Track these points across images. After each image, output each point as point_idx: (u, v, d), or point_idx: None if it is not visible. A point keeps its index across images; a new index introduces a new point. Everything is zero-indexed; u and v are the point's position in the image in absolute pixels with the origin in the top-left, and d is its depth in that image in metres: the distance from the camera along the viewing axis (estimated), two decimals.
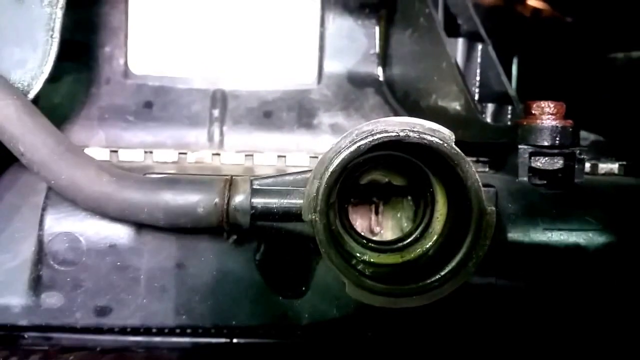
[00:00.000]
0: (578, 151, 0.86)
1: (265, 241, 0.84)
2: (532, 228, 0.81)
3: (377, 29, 1.25)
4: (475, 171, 0.68)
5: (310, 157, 1.01)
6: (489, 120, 1.09)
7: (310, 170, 0.73)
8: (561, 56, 1.51)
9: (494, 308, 0.83)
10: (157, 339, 0.86)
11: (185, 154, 0.98)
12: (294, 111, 1.18)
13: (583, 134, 1.09)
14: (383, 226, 0.87)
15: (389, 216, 0.87)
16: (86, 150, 0.93)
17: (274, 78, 1.20)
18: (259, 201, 0.74)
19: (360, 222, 0.87)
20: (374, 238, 0.84)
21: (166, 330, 0.85)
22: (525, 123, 0.87)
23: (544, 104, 0.87)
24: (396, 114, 1.18)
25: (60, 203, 0.83)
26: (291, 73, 1.21)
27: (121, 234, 0.83)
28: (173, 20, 1.19)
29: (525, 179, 0.86)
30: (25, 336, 0.84)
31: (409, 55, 1.19)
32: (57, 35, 0.88)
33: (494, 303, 0.82)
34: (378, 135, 0.68)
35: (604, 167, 1.02)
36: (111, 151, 0.96)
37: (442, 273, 0.70)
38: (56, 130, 0.80)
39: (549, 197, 0.84)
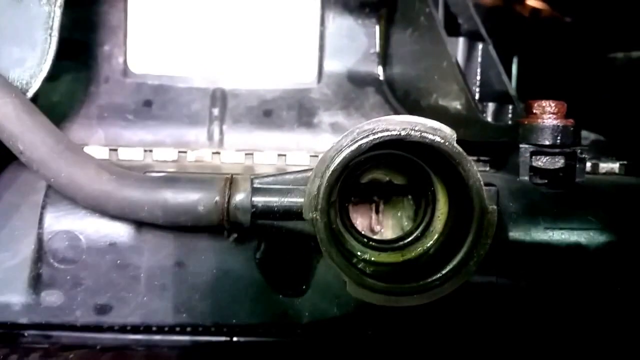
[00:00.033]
0: (579, 150, 0.86)
1: (266, 240, 0.84)
2: (533, 227, 0.81)
3: (377, 28, 1.25)
4: (477, 170, 0.68)
5: (311, 156, 1.01)
6: (489, 119, 1.09)
7: (311, 169, 0.73)
8: (561, 56, 1.51)
9: (494, 307, 0.83)
10: (157, 337, 0.86)
11: (185, 152, 0.98)
12: (294, 110, 1.17)
13: (583, 133, 1.10)
14: (383, 225, 0.87)
15: (390, 215, 0.87)
16: (85, 149, 0.93)
17: (274, 77, 1.20)
18: (259, 200, 0.74)
19: (360, 221, 0.87)
20: (375, 237, 0.84)
21: (166, 329, 0.85)
22: (526, 122, 0.87)
23: (545, 103, 0.87)
24: (396, 113, 1.18)
25: (59, 201, 0.83)
26: (291, 72, 1.20)
27: (121, 232, 0.82)
28: (172, 18, 1.19)
29: (526, 178, 0.86)
30: (25, 334, 0.84)
31: (409, 55, 1.19)
32: (55, 33, 0.88)
33: (494, 302, 0.82)
34: (379, 134, 0.67)
35: (605, 166, 1.02)
36: (111, 150, 0.96)
37: (443, 272, 0.70)
38: (55, 129, 0.80)
39: (550, 196, 0.84)
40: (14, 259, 0.82)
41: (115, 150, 0.96)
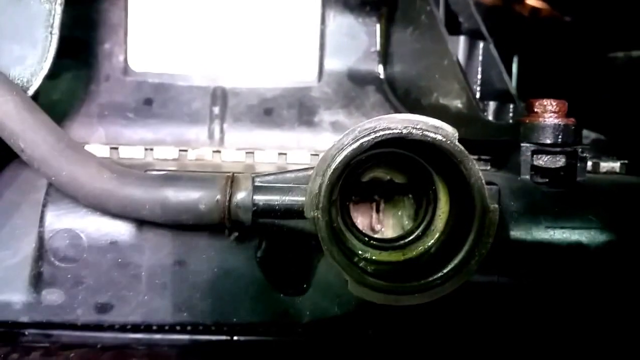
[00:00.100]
0: (580, 149, 0.86)
1: (267, 238, 0.84)
2: (535, 226, 0.81)
3: (377, 26, 1.24)
4: (479, 169, 0.68)
5: (311, 154, 1.00)
6: (490, 118, 1.09)
7: (312, 168, 0.72)
8: (561, 55, 1.51)
9: (495, 306, 0.83)
10: (158, 336, 0.86)
11: (185, 151, 0.98)
12: (294, 109, 1.17)
13: (584, 132, 1.09)
14: (384, 224, 0.87)
15: (390, 214, 0.87)
16: (86, 148, 0.92)
17: (275, 75, 1.20)
18: (260, 198, 0.74)
19: (361, 220, 0.87)
20: (376, 236, 0.84)
21: (167, 328, 0.85)
22: (527, 121, 0.86)
23: (546, 102, 0.86)
24: (397, 112, 1.17)
25: (60, 200, 0.83)
26: (292, 70, 1.20)
27: (122, 230, 0.82)
28: (173, 17, 1.19)
29: (528, 177, 0.86)
30: (26, 333, 0.84)
31: (410, 53, 1.19)
32: (56, 31, 0.88)
33: (495, 301, 0.82)
34: (381, 133, 0.67)
35: (606, 165, 1.02)
36: (111, 148, 0.96)
37: (445, 271, 0.70)
38: (56, 127, 0.80)
39: (552, 195, 0.84)
40: (15, 257, 0.82)
41: (116, 148, 0.96)
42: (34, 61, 0.86)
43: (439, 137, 0.67)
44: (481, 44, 1.16)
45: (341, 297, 0.84)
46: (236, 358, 0.88)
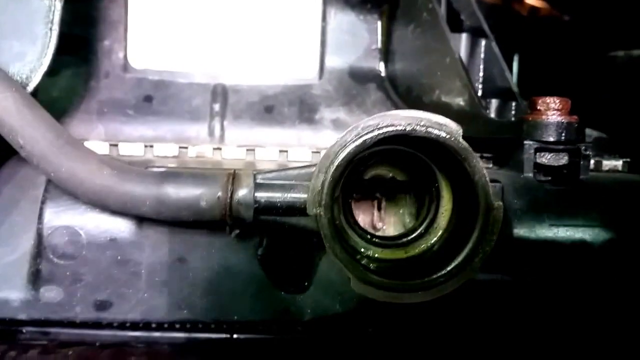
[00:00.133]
0: (583, 147, 0.86)
1: (268, 236, 0.83)
2: (538, 224, 0.81)
3: (379, 24, 1.24)
4: (483, 166, 0.68)
5: (312, 152, 1.00)
6: (492, 115, 1.09)
7: (314, 165, 0.72)
8: (562, 54, 1.51)
9: (498, 304, 0.82)
10: (157, 334, 0.86)
11: (186, 148, 0.97)
12: (295, 106, 1.17)
13: (586, 131, 1.09)
14: (385, 222, 0.86)
15: (392, 212, 0.87)
16: (85, 144, 0.92)
17: (275, 73, 1.19)
18: (262, 195, 0.74)
19: (362, 217, 0.86)
20: (378, 233, 0.84)
21: (166, 325, 0.85)
22: (530, 119, 0.86)
23: (549, 99, 0.86)
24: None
25: (59, 196, 0.82)
26: (292, 68, 1.20)
27: (122, 227, 0.82)
28: (173, 13, 1.18)
29: (531, 174, 0.86)
30: (24, 331, 0.84)
31: (411, 51, 1.19)
32: (56, 27, 0.87)
33: (498, 299, 0.82)
34: (384, 129, 0.67)
35: (608, 163, 1.01)
36: (111, 145, 0.96)
37: (448, 269, 0.70)
38: (56, 123, 0.79)
39: (555, 193, 0.84)
40: (13, 254, 0.82)
41: (116, 145, 0.96)
42: (33, 57, 0.86)
43: (443, 134, 0.67)
44: (483, 42, 1.16)
45: (343, 295, 0.84)
46: (236, 356, 0.88)
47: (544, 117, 0.85)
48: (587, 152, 0.86)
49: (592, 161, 0.98)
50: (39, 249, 0.82)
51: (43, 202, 0.82)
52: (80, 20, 1.15)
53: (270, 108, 1.16)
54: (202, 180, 0.75)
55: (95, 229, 0.82)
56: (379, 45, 1.24)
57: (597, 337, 0.83)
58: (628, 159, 1.02)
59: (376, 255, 0.78)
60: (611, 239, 0.81)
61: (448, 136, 0.67)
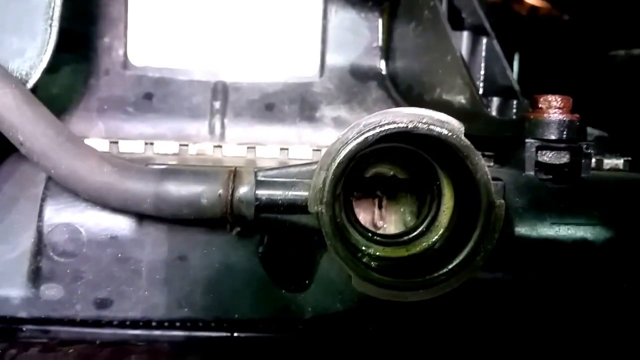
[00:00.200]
0: (585, 146, 0.86)
1: (269, 234, 0.83)
2: (540, 222, 0.80)
3: (380, 21, 1.24)
4: (485, 164, 0.67)
5: (313, 150, 1.00)
6: (494, 114, 1.09)
7: (315, 162, 0.72)
8: (562, 53, 1.50)
9: (499, 302, 0.82)
10: (157, 332, 0.86)
11: (186, 146, 0.97)
12: (296, 104, 1.17)
13: (587, 129, 1.09)
14: (386, 220, 0.86)
15: (392, 210, 0.87)
16: (85, 142, 0.92)
17: (276, 70, 1.19)
18: (263, 193, 0.73)
19: (363, 216, 0.86)
20: (379, 231, 0.84)
21: (166, 324, 0.84)
22: (532, 117, 0.86)
23: (551, 97, 0.86)
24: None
25: (60, 194, 0.82)
26: (293, 65, 1.20)
27: (122, 225, 0.82)
28: (173, 10, 1.18)
29: (532, 173, 0.85)
30: (24, 329, 0.83)
31: (412, 49, 1.18)
32: (56, 24, 0.87)
33: (499, 297, 0.82)
34: (386, 126, 0.67)
35: (609, 162, 1.01)
36: (111, 142, 0.95)
37: (449, 267, 0.70)
38: (56, 120, 0.79)
39: (556, 191, 0.84)
40: (13, 252, 0.81)
41: (116, 142, 0.95)
42: (33, 54, 0.86)
43: (445, 131, 0.67)
44: (484, 40, 1.16)
45: (343, 294, 0.84)
46: (237, 355, 0.87)
47: (545, 115, 0.85)
48: (589, 151, 0.86)
49: (593, 160, 0.98)
50: (39, 247, 0.81)
51: (43, 200, 0.82)
52: (80, 17, 1.15)
53: (270, 106, 1.16)
54: (203, 178, 0.75)
55: (96, 226, 0.81)
56: (380, 43, 1.23)
57: (598, 336, 0.83)
58: (629, 158, 1.02)
59: (377, 253, 0.77)
60: (612, 238, 0.81)
61: (450, 134, 0.67)
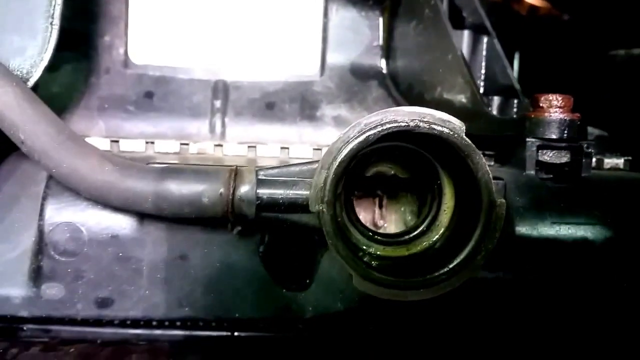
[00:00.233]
0: (585, 145, 0.86)
1: (270, 233, 0.83)
2: (540, 222, 0.80)
3: (380, 20, 1.24)
4: (486, 163, 0.67)
5: (314, 149, 1.00)
6: (494, 113, 1.09)
7: (316, 161, 0.72)
8: (562, 52, 1.50)
9: (500, 302, 0.82)
10: (158, 331, 0.85)
11: (187, 144, 0.97)
12: (296, 103, 1.17)
13: (587, 129, 1.09)
14: (387, 220, 0.86)
15: (393, 210, 0.87)
16: (86, 140, 0.91)
17: (276, 69, 1.19)
18: (264, 192, 0.73)
19: (363, 215, 0.86)
20: (380, 231, 0.84)
21: (167, 323, 0.84)
22: (533, 116, 0.86)
23: (552, 97, 0.86)
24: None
25: (61, 193, 0.82)
26: (294, 64, 1.20)
27: (123, 224, 0.81)
28: (174, 9, 1.18)
29: (533, 172, 0.86)
30: (25, 328, 0.83)
31: (413, 48, 1.18)
32: (57, 22, 0.87)
33: (500, 297, 0.82)
34: (387, 125, 0.67)
35: (609, 162, 1.01)
36: (112, 141, 0.95)
37: (450, 266, 0.70)
38: (57, 119, 0.79)
39: (557, 190, 0.84)
40: (14, 251, 0.81)
41: (117, 141, 0.95)
42: (34, 52, 0.85)
43: (446, 130, 0.67)
44: (485, 39, 1.16)
45: (344, 293, 0.84)
46: (237, 354, 0.87)
47: (546, 114, 0.85)
48: (589, 150, 0.86)
49: (593, 159, 0.98)
50: (40, 246, 0.81)
51: (44, 199, 0.82)
52: (81, 16, 1.15)
53: (271, 105, 1.16)
54: (204, 177, 0.75)
55: (97, 225, 0.81)
56: (381, 42, 1.23)
57: (598, 335, 0.83)
58: (629, 157, 1.02)
59: (378, 252, 0.77)
60: (612, 237, 0.81)
61: (452, 133, 0.67)
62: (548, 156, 0.86)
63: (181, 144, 0.97)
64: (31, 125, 0.75)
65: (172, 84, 1.15)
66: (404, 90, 1.20)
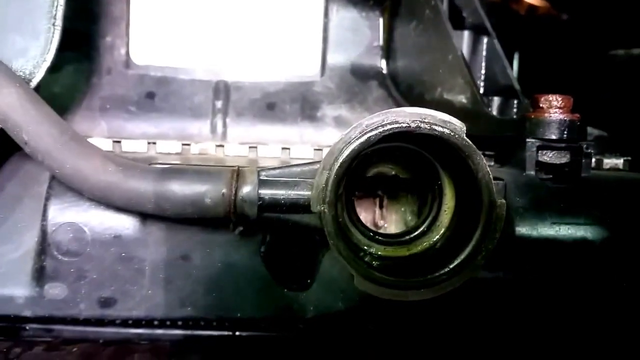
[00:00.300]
0: (585, 145, 0.86)
1: (271, 233, 0.83)
2: (540, 222, 0.81)
3: (381, 21, 1.24)
4: (486, 164, 0.68)
5: (314, 149, 1.00)
6: (494, 113, 1.09)
7: (317, 162, 0.72)
8: (562, 52, 1.50)
9: (500, 302, 0.82)
10: (160, 331, 0.85)
11: (188, 145, 0.97)
12: (297, 103, 1.17)
13: (587, 129, 1.09)
14: (387, 220, 0.87)
15: (393, 210, 0.87)
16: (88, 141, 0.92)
17: (277, 70, 1.19)
18: (266, 192, 0.74)
19: (364, 215, 0.87)
20: (381, 231, 0.84)
21: (168, 323, 0.85)
22: (533, 116, 0.86)
23: (552, 97, 0.86)
24: (400, 107, 1.17)
25: (63, 193, 0.82)
26: (294, 65, 1.20)
27: (126, 224, 0.82)
28: (175, 10, 1.18)
29: (533, 172, 0.86)
30: (27, 328, 0.83)
31: (413, 48, 1.19)
32: (59, 23, 0.87)
33: (500, 297, 0.82)
34: (389, 126, 0.67)
35: (609, 162, 1.02)
36: (114, 142, 0.95)
37: (451, 266, 0.70)
38: (60, 119, 0.79)
39: (557, 191, 0.84)
40: (17, 251, 0.81)
41: (119, 142, 0.96)
42: (36, 53, 0.85)
43: (447, 131, 0.67)
44: (485, 39, 1.16)
45: (345, 293, 0.84)
46: (238, 353, 0.87)
47: (546, 114, 0.86)
48: (589, 151, 0.86)
49: (593, 159, 0.98)
50: (43, 246, 0.82)
51: (47, 199, 0.82)
52: (82, 16, 1.15)
53: (272, 105, 1.16)
54: (206, 177, 0.75)
55: (100, 225, 0.82)
56: (381, 42, 1.24)
57: (598, 335, 0.83)
58: (629, 158, 1.02)
59: (379, 252, 0.78)
60: (612, 237, 0.81)
61: (452, 134, 0.67)
62: (548, 156, 0.87)
63: (183, 144, 0.97)
64: (34, 126, 0.75)
65: (173, 85, 1.15)
66: (404, 90, 1.20)
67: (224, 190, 0.74)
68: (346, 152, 0.67)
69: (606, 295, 0.82)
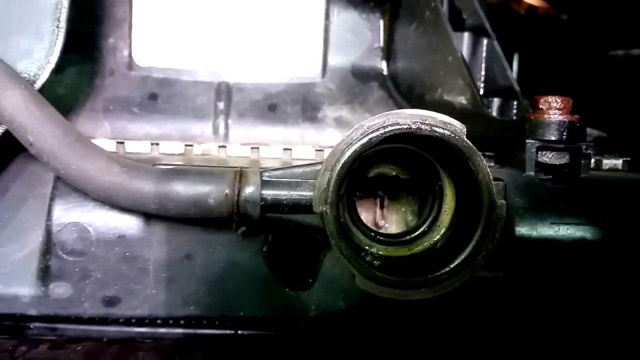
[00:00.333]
0: (584, 146, 0.87)
1: (273, 233, 0.84)
2: (540, 222, 0.81)
3: (381, 22, 1.25)
4: (486, 164, 0.68)
5: (316, 150, 1.01)
6: (494, 114, 1.10)
7: (319, 163, 0.73)
8: (561, 53, 1.51)
9: (500, 302, 0.83)
10: (163, 329, 0.86)
11: (191, 146, 0.98)
12: (298, 104, 1.18)
13: (586, 130, 1.10)
14: (388, 220, 0.87)
15: (394, 210, 0.87)
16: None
17: (279, 71, 1.20)
18: (268, 193, 0.74)
19: (365, 215, 0.87)
20: (382, 231, 0.85)
21: (171, 321, 0.85)
22: (532, 117, 0.87)
23: (551, 98, 0.87)
24: (400, 108, 1.17)
25: (68, 193, 0.82)
26: (295, 66, 1.20)
27: (130, 224, 0.82)
28: (178, 11, 1.19)
29: (532, 173, 0.86)
30: (32, 326, 0.84)
31: (413, 49, 1.19)
32: (63, 25, 0.87)
33: (500, 297, 0.83)
34: (390, 128, 0.68)
35: (608, 162, 1.02)
36: (117, 142, 0.96)
37: (451, 266, 0.71)
38: (64, 120, 0.80)
39: (556, 191, 0.84)
40: (23, 251, 0.82)
41: (122, 143, 0.96)
42: (40, 55, 0.86)
43: (448, 132, 0.68)
44: (485, 41, 1.16)
45: (347, 292, 0.85)
46: (241, 352, 0.88)
47: (545, 116, 0.86)
48: (588, 151, 0.87)
49: (592, 160, 0.99)
50: (48, 246, 0.82)
51: (52, 199, 0.83)
52: (86, 18, 1.16)
53: (273, 106, 1.17)
54: (209, 178, 0.76)
55: (104, 225, 0.82)
56: (382, 43, 1.24)
57: (598, 335, 0.84)
58: (628, 158, 1.03)
59: (380, 252, 0.78)
60: (611, 237, 0.82)
61: (453, 135, 0.68)
62: (547, 157, 0.87)
63: (186, 145, 0.98)
64: (39, 127, 0.76)
65: (176, 86, 1.16)
66: (405, 91, 1.21)
67: (227, 191, 0.75)
68: (348, 153, 0.68)
69: (606, 295, 0.82)
